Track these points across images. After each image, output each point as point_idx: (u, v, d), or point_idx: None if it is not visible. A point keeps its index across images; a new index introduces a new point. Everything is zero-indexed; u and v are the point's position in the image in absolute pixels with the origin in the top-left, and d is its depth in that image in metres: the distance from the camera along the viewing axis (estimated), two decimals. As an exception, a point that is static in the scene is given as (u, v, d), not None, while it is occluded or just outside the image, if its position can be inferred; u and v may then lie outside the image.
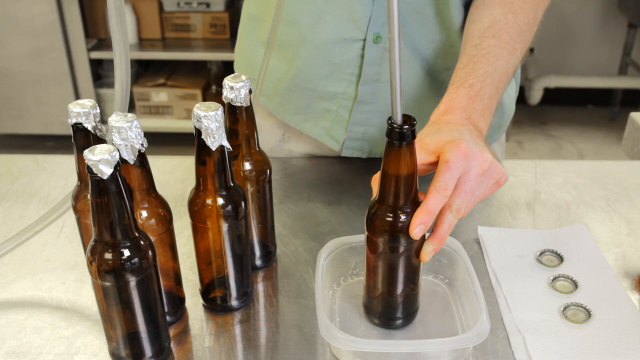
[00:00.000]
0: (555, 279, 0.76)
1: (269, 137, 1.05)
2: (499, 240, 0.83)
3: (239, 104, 0.68)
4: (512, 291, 0.74)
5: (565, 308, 0.72)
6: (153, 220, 0.64)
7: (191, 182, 0.66)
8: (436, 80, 0.92)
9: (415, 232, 0.62)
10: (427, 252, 0.65)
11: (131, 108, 2.93)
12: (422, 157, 0.67)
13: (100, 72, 2.95)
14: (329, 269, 0.73)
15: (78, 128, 0.63)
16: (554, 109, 3.29)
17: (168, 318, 0.69)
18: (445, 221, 0.65)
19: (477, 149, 0.66)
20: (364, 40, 0.88)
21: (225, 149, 0.63)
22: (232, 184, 0.66)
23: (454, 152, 0.65)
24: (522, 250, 0.81)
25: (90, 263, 0.58)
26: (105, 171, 0.53)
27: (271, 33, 0.95)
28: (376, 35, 0.88)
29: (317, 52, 0.92)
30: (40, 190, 0.96)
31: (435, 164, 0.67)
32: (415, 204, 0.64)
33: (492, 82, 0.76)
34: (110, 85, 2.91)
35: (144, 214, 0.64)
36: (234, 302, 0.72)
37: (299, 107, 0.98)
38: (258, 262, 0.79)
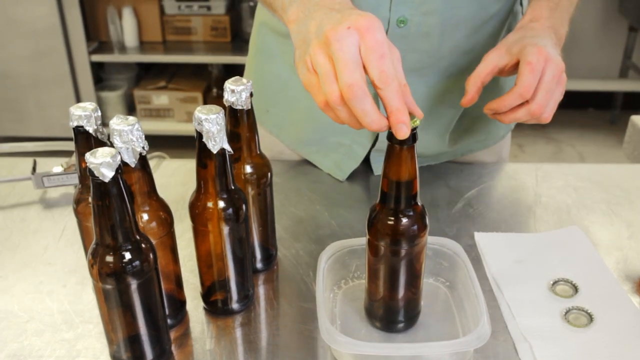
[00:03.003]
0: (555, 283, 0.76)
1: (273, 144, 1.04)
2: (496, 245, 0.83)
3: (240, 107, 0.68)
4: (513, 297, 0.74)
5: (566, 312, 0.72)
6: (154, 223, 0.64)
7: (192, 185, 0.66)
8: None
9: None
10: (488, 109, 0.77)
11: (132, 111, 2.94)
12: (504, 59, 0.76)
13: (101, 75, 2.95)
14: (329, 272, 0.73)
15: (79, 131, 0.63)
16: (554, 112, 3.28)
17: (169, 321, 0.69)
18: (519, 111, 0.75)
19: (554, 53, 0.74)
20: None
21: (226, 152, 0.63)
22: (233, 187, 0.66)
23: (535, 54, 0.73)
24: (520, 254, 0.81)
25: (91, 266, 0.58)
26: (107, 174, 0.53)
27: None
28: None
29: None
30: (42, 193, 0.96)
31: (513, 67, 0.76)
32: (416, 207, 0.64)
33: None
34: (112, 88, 2.92)
35: (145, 216, 0.64)
36: (234, 305, 0.72)
37: (312, 139, 0.99)
38: (259, 265, 0.79)
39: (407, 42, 0.85)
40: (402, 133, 0.57)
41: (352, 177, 1.00)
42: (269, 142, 1.02)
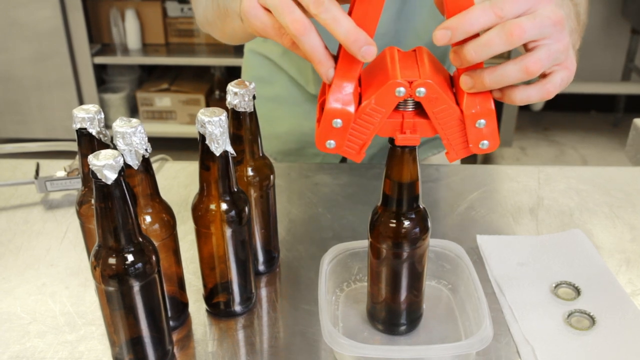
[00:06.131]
0: (557, 285, 0.76)
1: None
2: (498, 248, 0.83)
3: (243, 110, 0.68)
4: (515, 300, 0.74)
5: (569, 315, 0.71)
6: (157, 225, 0.65)
7: (195, 187, 0.67)
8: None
9: (438, 34, 0.52)
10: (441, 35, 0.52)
11: (135, 113, 2.94)
12: None
13: (104, 77, 2.96)
14: (332, 274, 0.73)
15: (82, 133, 0.63)
16: (557, 114, 3.29)
17: (171, 323, 0.69)
18: (493, 36, 0.52)
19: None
20: None
21: (229, 155, 0.63)
22: (235, 189, 0.66)
23: None
24: (522, 257, 0.81)
25: (94, 268, 0.58)
26: (110, 176, 0.53)
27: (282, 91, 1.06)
28: None
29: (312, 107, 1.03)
30: (44, 194, 0.96)
31: None
32: (418, 209, 0.64)
33: None
34: (114, 90, 2.92)
35: (148, 219, 0.64)
36: (237, 307, 0.72)
37: (293, 150, 1.08)
38: (261, 268, 0.79)
39: None
40: (370, 53, 0.51)
41: (354, 179, 1.00)
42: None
